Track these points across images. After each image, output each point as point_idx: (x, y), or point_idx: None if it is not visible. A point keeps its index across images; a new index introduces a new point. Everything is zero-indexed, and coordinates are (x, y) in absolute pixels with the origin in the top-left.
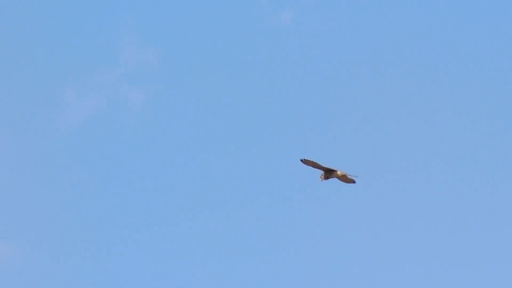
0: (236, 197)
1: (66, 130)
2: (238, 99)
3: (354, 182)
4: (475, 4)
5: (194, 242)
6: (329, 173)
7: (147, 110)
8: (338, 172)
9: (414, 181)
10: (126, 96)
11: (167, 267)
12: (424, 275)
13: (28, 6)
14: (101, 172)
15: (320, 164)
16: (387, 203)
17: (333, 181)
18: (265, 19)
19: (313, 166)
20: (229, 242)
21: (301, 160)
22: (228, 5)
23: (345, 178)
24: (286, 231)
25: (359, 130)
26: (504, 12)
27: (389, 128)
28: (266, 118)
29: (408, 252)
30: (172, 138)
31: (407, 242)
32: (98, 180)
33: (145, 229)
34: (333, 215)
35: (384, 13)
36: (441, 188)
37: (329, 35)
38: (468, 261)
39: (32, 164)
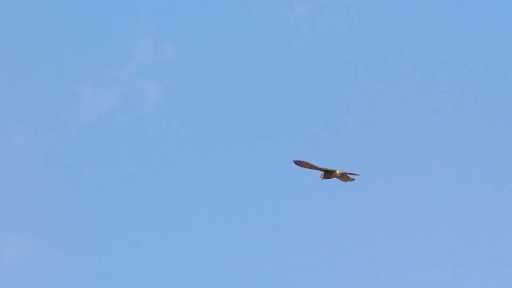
0: (247, 195)
1: (80, 126)
2: (254, 94)
3: (353, 179)
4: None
5: (210, 239)
6: (328, 173)
7: (162, 106)
8: (337, 172)
9: (415, 181)
10: (141, 91)
11: (184, 263)
12: (425, 275)
13: (42, 2)
14: (116, 168)
15: (316, 165)
16: (388, 203)
17: (334, 180)
18: (279, 12)
19: (308, 168)
20: (234, 242)
21: (294, 162)
22: None
23: (345, 177)
24: (286, 231)
25: (375, 127)
26: (504, 12)
27: (403, 125)
28: (280, 114)
29: (408, 252)
30: (187, 135)
31: (407, 242)
32: (113, 176)
33: (160, 225)
34: (333, 215)
35: (402, 5)
36: (442, 188)
37: (345, 28)
38: (469, 261)
39: (47, 160)
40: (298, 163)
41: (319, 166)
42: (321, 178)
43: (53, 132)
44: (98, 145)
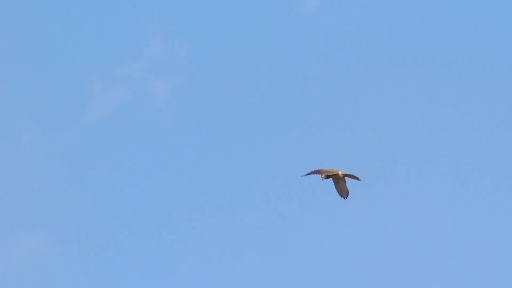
0: (258, 193)
1: (91, 123)
2: (265, 91)
3: (358, 179)
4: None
5: (216, 238)
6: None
7: (172, 103)
8: (340, 173)
9: (416, 182)
10: (151, 88)
11: (198, 264)
12: (425, 275)
13: None
14: (126, 165)
15: (322, 169)
16: (389, 204)
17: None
18: (290, 8)
19: (316, 173)
20: (240, 242)
21: (302, 176)
22: None
23: (341, 183)
24: (287, 231)
25: (384, 124)
26: (504, 12)
27: (413, 122)
28: (290, 111)
29: (410, 253)
30: (198, 132)
31: (409, 243)
32: (123, 173)
33: (170, 222)
34: (334, 216)
35: (412, 2)
36: (442, 188)
37: (355, 25)
38: (469, 261)
39: (56, 157)
40: (308, 175)
41: (325, 169)
42: (321, 178)
43: (63, 130)
44: (108, 142)
